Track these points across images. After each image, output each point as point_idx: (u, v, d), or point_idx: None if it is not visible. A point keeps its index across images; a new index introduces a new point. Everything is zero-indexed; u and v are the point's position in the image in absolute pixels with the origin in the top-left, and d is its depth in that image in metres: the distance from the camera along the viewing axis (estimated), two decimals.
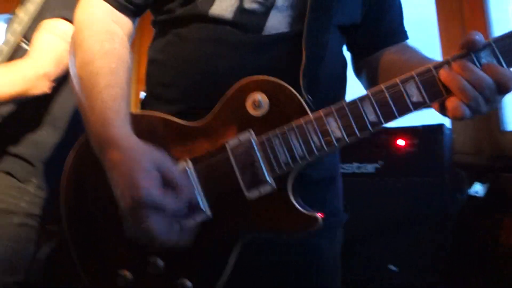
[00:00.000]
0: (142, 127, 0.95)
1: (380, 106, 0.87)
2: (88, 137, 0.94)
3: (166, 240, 0.85)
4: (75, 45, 1.01)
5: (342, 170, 1.21)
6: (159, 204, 0.82)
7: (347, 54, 1.17)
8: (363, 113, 0.87)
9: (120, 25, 1.04)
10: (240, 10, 0.97)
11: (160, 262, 0.94)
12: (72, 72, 1.00)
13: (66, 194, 1.03)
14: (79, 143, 1.02)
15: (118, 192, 0.85)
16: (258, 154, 0.90)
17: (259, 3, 0.98)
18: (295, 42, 0.97)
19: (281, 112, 0.91)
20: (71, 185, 1.03)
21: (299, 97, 0.91)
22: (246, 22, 0.98)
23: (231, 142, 0.92)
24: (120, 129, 0.89)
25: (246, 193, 0.91)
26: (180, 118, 0.97)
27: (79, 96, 0.96)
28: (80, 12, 1.03)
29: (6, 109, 1.59)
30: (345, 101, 0.89)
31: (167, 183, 0.85)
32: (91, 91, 0.93)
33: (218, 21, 0.98)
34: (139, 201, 0.81)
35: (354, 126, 0.88)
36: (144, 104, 1.11)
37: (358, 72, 1.19)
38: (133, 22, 1.08)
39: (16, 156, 1.59)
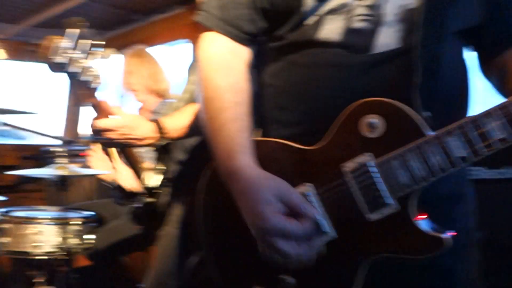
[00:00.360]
0: (263, 152, 1.01)
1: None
2: (216, 165, 1.02)
3: (294, 261, 0.91)
4: (201, 81, 1.08)
5: (480, 177, 1.14)
6: (283, 231, 0.88)
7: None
8: (489, 130, 0.83)
9: (238, 55, 1.09)
10: (348, 30, 0.97)
11: (291, 280, 0.98)
12: (200, 107, 1.08)
13: (204, 213, 1.12)
14: (212, 167, 1.10)
15: (246, 219, 0.93)
16: (377, 177, 0.90)
17: (367, 20, 0.96)
18: (406, 58, 0.93)
19: (398, 133, 0.89)
20: (207, 205, 1.12)
21: (416, 115, 0.88)
22: (354, 42, 0.97)
23: (349, 165, 0.93)
24: (244, 161, 0.97)
25: (368, 215, 0.91)
26: (296, 141, 1.00)
27: (206, 129, 1.05)
28: (201, 50, 1.10)
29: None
30: (468, 117, 0.85)
31: (291, 209, 0.91)
32: (218, 125, 1.01)
33: (326, 44, 0.98)
34: (264, 230, 0.89)
35: (480, 144, 0.83)
36: (260, 125, 1.15)
37: (486, 74, 1.11)
38: (251, 49, 1.12)
39: None
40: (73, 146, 3.89)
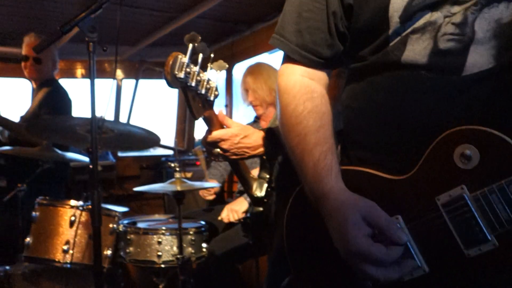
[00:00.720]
0: (348, 181, 0.97)
1: None
2: (303, 187, 1.01)
3: (383, 283, 0.87)
4: (280, 110, 1.07)
5: None
6: (367, 255, 0.84)
7: None
8: None
9: (316, 80, 1.07)
10: (435, 52, 0.88)
11: None
12: (282, 134, 1.07)
13: (288, 231, 1.11)
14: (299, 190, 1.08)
15: (334, 241, 0.91)
16: (474, 211, 0.83)
17: (456, 40, 0.86)
18: (502, 78, 0.84)
19: (494, 163, 0.81)
20: (292, 223, 1.11)
21: None
22: (443, 64, 0.88)
23: (442, 198, 0.86)
24: (331, 183, 0.94)
25: (465, 251, 0.84)
26: (377, 166, 0.96)
27: (290, 155, 1.03)
28: (280, 79, 1.09)
29: None
30: None
31: (379, 233, 0.86)
32: (302, 150, 0.99)
33: (411, 67, 0.91)
34: (351, 253, 0.86)
35: None
36: (341, 147, 1.12)
37: None
38: (328, 73, 1.09)
39: None
40: (187, 156, 4.12)
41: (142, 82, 4.48)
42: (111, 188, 3.63)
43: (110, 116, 4.24)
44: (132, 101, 4.45)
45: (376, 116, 0.99)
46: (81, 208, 2.22)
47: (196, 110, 1.25)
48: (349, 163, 1.05)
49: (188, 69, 1.10)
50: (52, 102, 3.06)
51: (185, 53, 1.13)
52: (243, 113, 3.87)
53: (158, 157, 4.31)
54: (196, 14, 3.34)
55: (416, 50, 0.91)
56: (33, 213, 2.25)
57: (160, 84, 4.79)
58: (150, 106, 4.96)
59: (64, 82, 4.10)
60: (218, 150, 1.51)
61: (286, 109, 1.05)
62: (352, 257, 0.87)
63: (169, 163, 2.56)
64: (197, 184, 2.48)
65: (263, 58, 3.77)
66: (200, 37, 1.18)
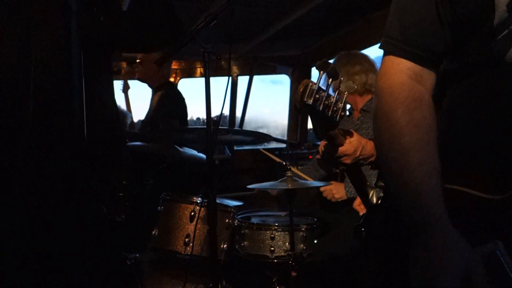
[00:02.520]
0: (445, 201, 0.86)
1: None
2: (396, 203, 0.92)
3: None
4: (379, 114, 0.95)
5: None
6: None
7: None
8: None
9: (424, 83, 0.93)
10: None
11: None
12: (377, 140, 0.98)
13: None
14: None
15: (414, 269, 0.83)
16: None
17: None
18: None
19: None
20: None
21: None
22: None
23: None
24: (434, 215, 0.84)
25: None
26: (475, 183, 0.83)
27: (384, 167, 0.94)
28: (383, 78, 0.96)
29: None
30: None
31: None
32: (402, 168, 0.88)
33: None
34: None
35: None
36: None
37: None
38: (435, 76, 0.95)
39: None
40: (300, 150, 4.15)
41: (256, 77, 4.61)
42: (227, 180, 3.79)
43: (226, 111, 4.44)
44: (247, 96, 4.60)
45: (475, 123, 0.87)
46: (200, 204, 2.36)
47: (321, 131, 1.31)
48: None
49: (317, 96, 1.12)
50: (167, 105, 3.31)
51: (322, 80, 1.14)
52: None
53: (272, 150, 4.40)
54: (308, 7, 3.33)
55: None
56: (159, 208, 2.45)
57: (273, 78, 4.89)
58: (264, 100, 5.09)
59: (185, 82, 4.38)
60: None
61: (388, 115, 0.92)
62: None
63: (281, 161, 2.61)
64: (308, 182, 2.49)
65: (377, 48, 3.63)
66: (331, 64, 1.20)
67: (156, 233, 2.40)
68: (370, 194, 1.71)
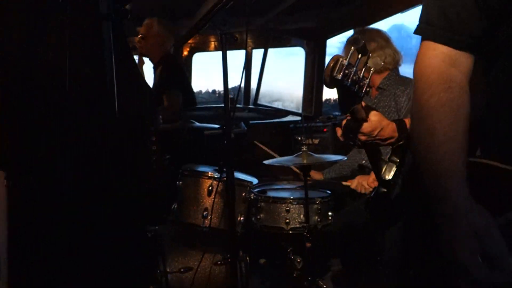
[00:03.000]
0: (473, 173, 0.92)
1: None
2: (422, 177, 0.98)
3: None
4: (414, 96, 1.00)
5: None
6: (469, 271, 0.83)
7: None
8: None
9: (458, 66, 0.97)
10: None
11: None
12: (411, 123, 1.04)
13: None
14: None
15: (442, 243, 0.90)
16: None
17: None
18: None
19: None
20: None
21: None
22: None
23: None
24: (452, 186, 0.90)
25: None
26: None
27: (415, 147, 1.00)
28: (417, 63, 1.00)
29: None
30: None
31: (487, 252, 0.83)
32: (427, 146, 0.95)
33: None
34: (452, 261, 0.86)
35: None
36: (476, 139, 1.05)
37: None
38: (473, 58, 0.98)
39: None
40: (315, 123, 4.18)
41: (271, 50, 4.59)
42: (243, 153, 3.85)
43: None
44: (262, 69, 4.60)
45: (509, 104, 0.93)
46: (217, 179, 2.43)
47: (346, 105, 1.36)
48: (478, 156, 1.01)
49: (346, 71, 1.16)
50: (166, 77, 3.37)
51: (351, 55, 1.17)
52: None
53: (287, 123, 4.43)
54: None
55: None
56: (178, 182, 2.52)
57: (287, 51, 4.86)
58: (278, 73, 5.08)
59: (199, 56, 4.39)
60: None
61: (420, 98, 0.98)
62: (457, 267, 0.86)
63: (296, 137, 2.64)
64: (323, 157, 2.52)
65: (397, 18, 3.59)
66: (363, 41, 1.23)
67: (176, 207, 2.48)
68: (384, 169, 1.75)
